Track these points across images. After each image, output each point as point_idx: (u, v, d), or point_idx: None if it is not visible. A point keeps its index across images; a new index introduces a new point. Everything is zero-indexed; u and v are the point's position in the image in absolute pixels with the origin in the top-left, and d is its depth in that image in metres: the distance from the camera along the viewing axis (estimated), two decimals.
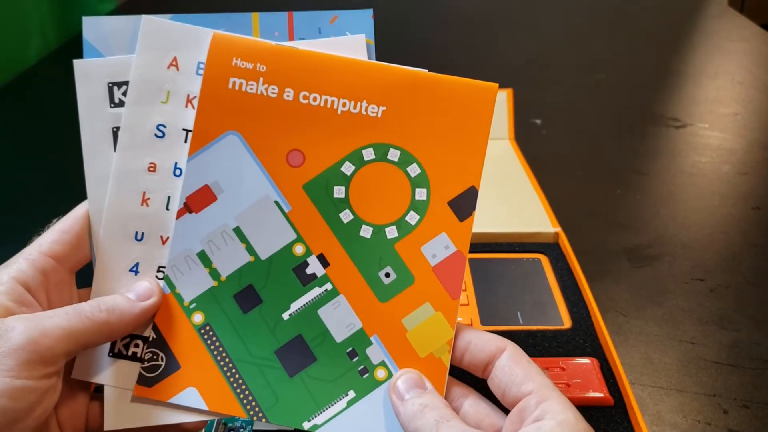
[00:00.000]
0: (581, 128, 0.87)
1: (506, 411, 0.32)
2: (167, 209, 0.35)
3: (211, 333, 0.34)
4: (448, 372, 0.34)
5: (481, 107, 0.35)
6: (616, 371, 0.45)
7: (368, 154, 0.34)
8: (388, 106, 0.34)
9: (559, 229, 0.59)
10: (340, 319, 0.34)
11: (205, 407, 0.33)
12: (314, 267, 0.34)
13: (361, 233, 0.34)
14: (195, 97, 0.35)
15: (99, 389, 0.34)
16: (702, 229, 0.65)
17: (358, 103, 0.34)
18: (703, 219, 0.67)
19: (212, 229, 0.34)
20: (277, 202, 0.34)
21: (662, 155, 0.80)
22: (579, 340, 0.48)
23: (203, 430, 0.41)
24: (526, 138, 0.76)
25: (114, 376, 0.34)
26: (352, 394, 0.33)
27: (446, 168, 0.34)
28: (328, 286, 0.34)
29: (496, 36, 1.21)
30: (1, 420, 0.27)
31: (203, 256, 0.34)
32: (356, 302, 0.34)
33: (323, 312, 0.34)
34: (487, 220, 0.60)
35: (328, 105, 0.34)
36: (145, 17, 0.34)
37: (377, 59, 0.35)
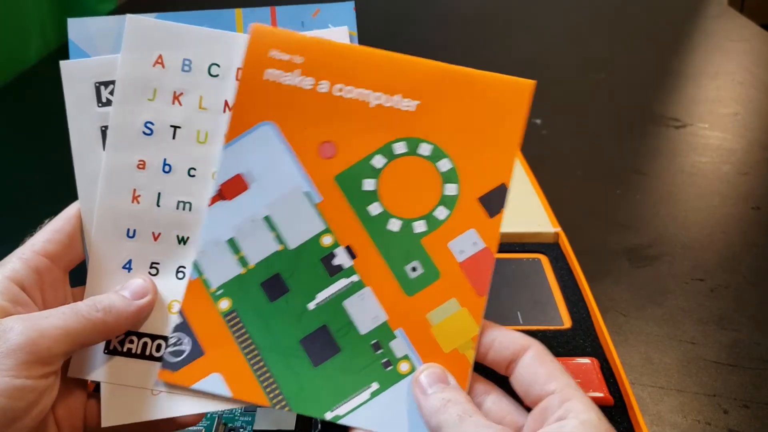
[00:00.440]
0: (581, 128, 0.87)
1: (529, 409, 0.32)
2: (158, 206, 0.35)
3: (237, 320, 0.34)
4: (471, 368, 0.34)
5: (516, 104, 0.35)
6: (616, 371, 0.45)
7: (399, 147, 0.35)
8: (422, 100, 0.35)
9: (559, 229, 0.59)
10: (365, 311, 0.34)
11: (229, 394, 0.33)
12: (342, 258, 0.34)
13: (389, 226, 0.34)
14: (181, 93, 0.35)
15: (97, 389, 0.35)
16: (702, 229, 0.65)
17: (392, 97, 0.34)
18: (703, 219, 0.67)
19: (243, 218, 0.35)
20: (307, 193, 0.35)
21: (662, 155, 0.80)
22: (579, 340, 0.48)
23: (203, 429, 0.41)
24: (526, 138, 0.75)
25: (110, 373, 0.34)
26: (375, 386, 0.33)
27: (478, 164, 0.35)
28: (355, 278, 0.34)
29: (496, 36, 1.21)
30: (1, 419, 0.27)
31: (232, 244, 0.34)
32: (382, 295, 0.34)
33: (349, 303, 0.34)
34: None
35: (362, 98, 0.34)
36: (129, 16, 0.35)
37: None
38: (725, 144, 0.81)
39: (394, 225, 0.35)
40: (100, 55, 0.35)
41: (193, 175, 0.35)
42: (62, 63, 0.35)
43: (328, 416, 0.33)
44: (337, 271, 0.34)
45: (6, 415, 0.27)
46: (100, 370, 0.34)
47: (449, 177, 0.35)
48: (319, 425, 0.41)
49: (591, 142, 0.84)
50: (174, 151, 0.35)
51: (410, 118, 0.34)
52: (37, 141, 0.82)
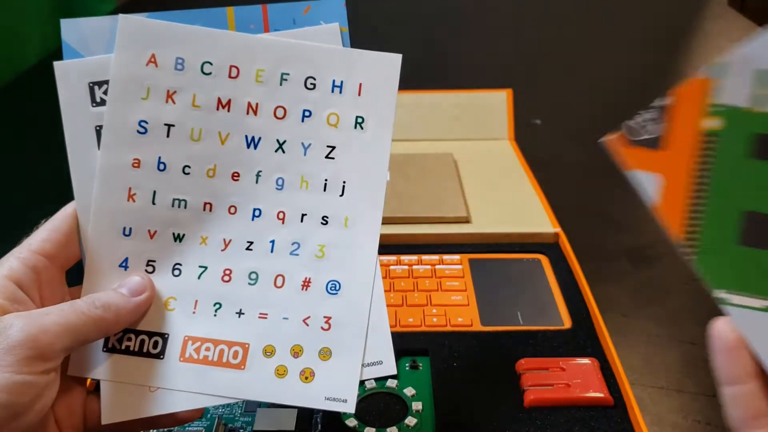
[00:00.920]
0: (581, 128, 0.87)
1: None
2: (153, 204, 0.35)
3: (712, 146, 0.31)
4: None
5: None
6: (616, 371, 0.45)
7: None
8: None
9: (559, 230, 0.59)
10: None
11: (653, 200, 0.32)
12: None
13: None
14: (175, 92, 0.35)
15: (96, 387, 0.35)
16: None
17: None
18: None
19: None
20: None
21: None
22: (579, 340, 0.48)
23: (203, 429, 0.41)
24: (526, 138, 0.76)
25: (109, 371, 0.34)
26: None
27: None
28: None
29: (496, 36, 1.21)
30: (3, 415, 0.27)
31: (762, 77, 0.30)
32: None
33: None
34: (486, 221, 0.60)
35: None
36: (121, 16, 0.35)
37: (352, 46, 0.36)
38: None
39: None
40: (94, 56, 0.35)
41: (188, 173, 0.35)
42: (56, 63, 0.35)
43: (719, 294, 0.31)
44: None
45: (8, 410, 0.28)
46: (99, 368, 0.34)
47: None
48: (319, 425, 0.41)
49: (591, 142, 0.84)
50: (168, 150, 0.35)
51: None
52: (36, 141, 0.82)
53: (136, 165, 0.35)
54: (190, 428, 0.42)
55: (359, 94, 0.36)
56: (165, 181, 0.35)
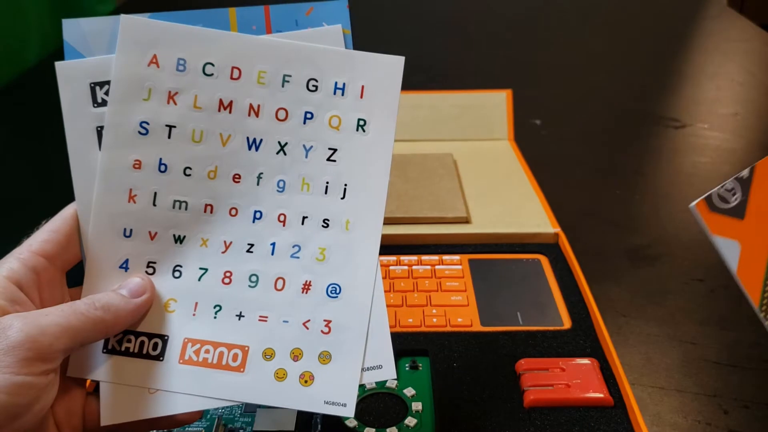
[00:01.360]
0: (581, 128, 0.87)
1: None
2: (154, 205, 0.35)
3: None
4: None
5: None
6: (616, 372, 0.45)
7: None
8: None
9: (558, 230, 0.59)
10: None
11: (735, 267, 0.33)
12: None
13: None
14: (176, 93, 0.35)
15: (96, 389, 0.35)
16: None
17: None
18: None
19: None
20: None
21: (662, 155, 0.80)
22: (579, 340, 0.48)
23: (203, 429, 0.41)
24: (525, 138, 0.76)
25: (108, 373, 0.34)
26: None
27: None
28: None
29: (496, 36, 1.21)
30: (2, 416, 0.27)
31: None
32: None
33: None
34: (486, 221, 0.60)
35: None
36: (123, 16, 0.34)
37: (357, 49, 0.36)
38: (725, 144, 0.81)
39: None
40: (95, 56, 0.35)
41: (189, 175, 0.35)
42: (57, 64, 0.35)
43: None
44: None
45: (7, 411, 0.28)
46: (99, 369, 0.34)
47: None
48: (319, 426, 0.41)
49: (590, 143, 0.84)
50: (169, 151, 0.35)
51: None
52: (36, 142, 0.82)
53: (137, 166, 0.35)
54: (189, 428, 0.42)
55: (361, 97, 0.36)
56: (166, 183, 0.35)
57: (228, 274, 0.36)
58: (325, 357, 0.35)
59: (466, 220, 0.60)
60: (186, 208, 0.35)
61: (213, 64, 0.35)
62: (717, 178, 0.74)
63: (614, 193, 0.71)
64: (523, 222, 0.60)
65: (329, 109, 0.36)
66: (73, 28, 0.35)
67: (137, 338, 0.35)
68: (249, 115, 0.35)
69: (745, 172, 0.33)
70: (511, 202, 0.64)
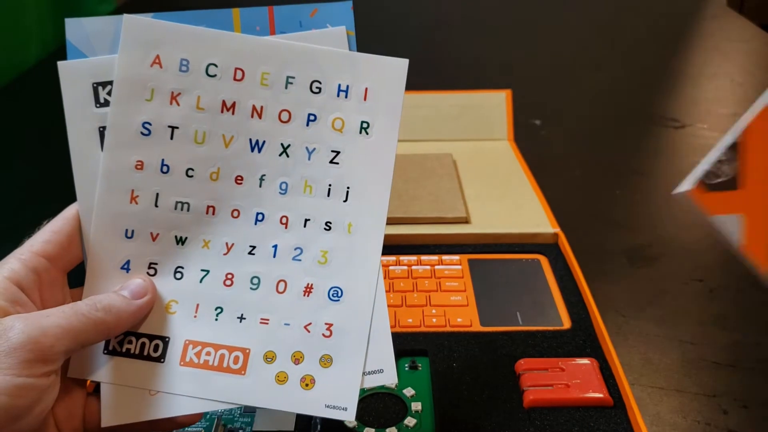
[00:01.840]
0: (580, 129, 0.87)
1: None
2: (156, 206, 0.35)
3: None
4: None
5: None
6: (615, 372, 0.45)
7: None
8: None
9: (558, 230, 0.59)
10: None
11: (738, 241, 0.31)
12: None
13: None
14: (179, 94, 0.35)
15: (96, 389, 0.35)
16: (701, 229, 0.65)
17: None
18: (703, 219, 0.67)
19: None
20: None
21: (661, 155, 0.80)
22: (578, 340, 0.48)
23: (203, 430, 0.41)
24: (525, 138, 0.76)
25: (109, 374, 0.34)
26: None
27: None
28: None
29: (496, 36, 1.21)
30: (3, 417, 0.27)
31: None
32: None
33: None
34: (486, 221, 0.60)
35: None
36: (126, 16, 0.34)
37: (358, 50, 0.36)
38: None
39: None
40: (98, 56, 0.35)
41: (191, 176, 0.35)
42: (60, 63, 0.35)
43: None
44: None
45: (8, 413, 0.28)
46: (100, 370, 0.34)
47: None
48: (319, 426, 0.41)
49: (590, 143, 0.84)
50: (172, 152, 0.35)
51: None
52: (36, 142, 0.82)
53: (139, 167, 0.35)
54: (189, 428, 0.42)
55: (365, 99, 0.36)
56: (168, 184, 0.35)
57: (229, 276, 0.36)
58: (326, 360, 0.35)
59: (465, 220, 0.60)
60: (188, 210, 0.35)
61: (216, 65, 0.35)
62: None
63: (614, 193, 0.71)
64: (523, 222, 0.60)
65: (332, 112, 0.36)
66: (76, 28, 0.35)
67: (138, 339, 0.35)
68: (252, 116, 0.35)
69: (729, 138, 0.30)
70: (510, 202, 0.64)
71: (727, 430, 0.44)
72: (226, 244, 0.36)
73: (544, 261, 0.57)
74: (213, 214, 0.36)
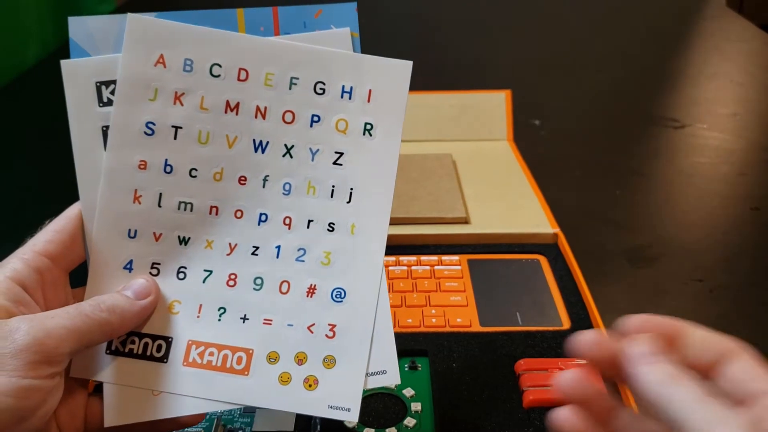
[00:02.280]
0: (580, 129, 0.87)
1: None
2: (159, 206, 0.35)
3: None
4: None
5: None
6: None
7: None
8: None
9: (558, 230, 0.59)
10: None
11: None
12: None
13: None
14: (183, 94, 0.35)
15: (98, 389, 0.35)
16: (701, 229, 0.65)
17: None
18: (702, 220, 0.67)
19: None
20: None
21: (661, 156, 0.80)
22: None
23: (203, 430, 0.41)
24: (524, 139, 0.76)
25: (112, 374, 0.34)
26: None
27: None
28: None
29: (495, 36, 1.21)
30: (8, 419, 0.27)
31: None
32: None
33: None
34: (486, 221, 0.60)
35: None
36: (130, 15, 0.34)
37: (363, 52, 0.36)
38: (724, 144, 0.81)
39: None
40: (101, 54, 0.35)
41: (195, 176, 0.35)
42: (63, 62, 0.35)
43: None
44: None
45: (14, 415, 0.28)
46: (103, 370, 0.34)
47: None
48: (318, 426, 0.41)
49: (590, 143, 0.84)
50: (175, 152, 0.35)
51: None
52: (36, 142, 0.82)
53: (142, 166, 0.35)
54: (189, 429, 0.42)
55: (368, 101, 0.36)
56: (171, 184, 0.35)
57: (233, 277, 0.36)
58: (329, 361, 0.35)
59: (465, 221, 0.60)
60: (191, 210, 0.35)
61: (220, 65, 0.35)
62: (716, 179, 0.74)
63: (613, 193, 0.71)
64: (523, 222, 0.60)
65: (336, 113, 0.36)
66: (79, 26, 0.35)
67: (141, 339, 0.35)
68: (256, 117, 0.35)
69: None
70: (510, 202, 0.64)
71: None
72: (229, 244, 0.36)
73: (543, 261, 0.57)
74: (216, 214, 0.36)
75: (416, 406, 0.43)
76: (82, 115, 0.35)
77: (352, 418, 0.34)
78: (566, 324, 0.50)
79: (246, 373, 0.35)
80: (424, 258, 0.57)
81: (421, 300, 0.52)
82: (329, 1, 0.36)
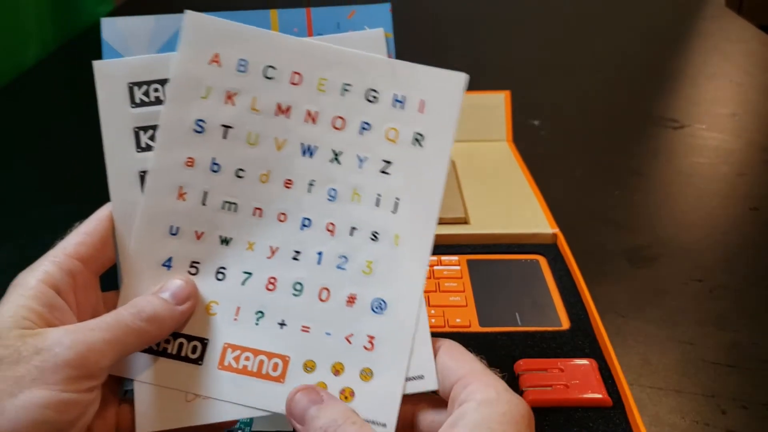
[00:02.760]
0: (579, 129, 0.87)
1: None
2: (203, 204, 0.35)
3: None
4: None
5: None
6: (614, 372, 0.45)
7: None
8: None
9: (557, 230, 0.59)
10: None
11: None
12: None
13: None
14: (235, 93, 0.35)
15: (127, 395, 0.34)
16: (700, 229, 0.65)
17: None
18: (702, 220, 0.67)
19: None
20: None
21: (660, 156, 0.80)
22: (577, 341, 0.48)
23: None
24: (524, 139, 0.76)
25: (146, 372, 0.33)
26: None
27: None
28: None
29: (495, 36, 1.21)
30: (47, 431, 0.27)
31: None
32: None
33: None
34: (485, 221, 0.60)
35: None
36: (188, 12, 0.34)
37: (396, 54, 0.35)
38: (723, 145, 0.81)
39: None
40: (133, 55, 0.34)
41: (241, 176, 0.35)
42: (95, 63, 0.34)
43: None
44: None
45: (53, 428, 0.27)
46: (137, 368, 0.34)
47: None
48: None
49: (589, 143, 0.84)
50: (223, 151, 0.35)
51: None
52: (35, 143, 0.82)
53: (189, 164, 0.35)
54: None
55: (421, 111, 0.35)
56: (217, 183, 0.35)
57: (272, 281, 0.35)
58: (366, 374, 0.34)
59: (464, 221, 0.60)
60: (235, 210, 0.35)
61: (274, 68, 0.35)
62: (715, 179, 0.74)
63: (613, 193, 0.72)
64: (522, 222, 0.60)
65: (387, 121, 0.35)
66: (112, 28, 0.35)
67: (176, 339, 0.34)
68: (306, 121, 0.35)
69: None
70: (509, 202, 0.64)
71: (726, 431, 0.44)
72: (271, 247, 0.35)
73: (543, 261, 0.57)
74: (260, 216, 0.35)
75: None
76: (113, 116, 0.34)
77: None
78: (566, 324, 0.50)
79: (282, 380, 0.34)
80: None
81: None
82: (363, 2, 0.35)
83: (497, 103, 0.76)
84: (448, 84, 0.35)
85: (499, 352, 0.47)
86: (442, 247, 0.58)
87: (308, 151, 0.35)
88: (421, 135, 0.35)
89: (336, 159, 0.35)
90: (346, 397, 0.34)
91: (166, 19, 0.35)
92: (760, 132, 0.85)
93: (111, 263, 0.34)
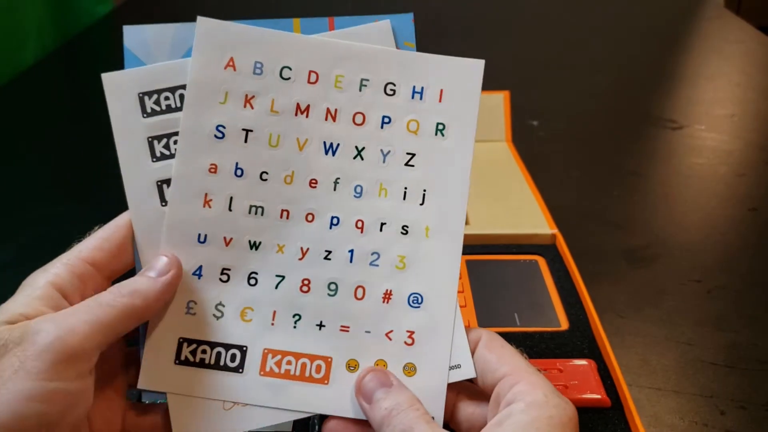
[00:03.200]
0: (578, 130, 0.87)
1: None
2: (230, 210, 0.34)
3: None
4: None
5: None
6: (613, 373, 0.45)
7: None
8: None
9: (556, 231, 0.59)
10: None
11: None
12: None
13: None
14: (253, 96, 0.35)
15: (133, 398, 0.34)
16: (699, 230, 0.65)
17: None
18: (700, 220, 0.67)
19: None
20: None
21: (659, 157, 0.80)
22: (576, 341, 0.48)
23: None
24: (522, 140, 0.76)
25: (183, 384, 0.33)
26: None
27: None
28: None
29: (494, 37, 1.21)
30: (35, 426, 0.26)
31: None
32: None
33: None
34: (484, 222, 0.60)
35: None
36: (200, 18, 0.34)
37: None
38: (722, 145, 0.81)
39: None
40: (157, 62, 0.34)
41: (265, 179, 0.35)
42: (104, 75, 0.34)
43: None
44: None
45: (40, 421, 0.26)
46: (171, 381, 0.33)
47: None
48: (317, 426, 0.41)
49: (588, 144, 0.84)
50: (246, 155, 0.34)
51: None
52: (34, 143, 0.82)
53: (212, 170, 0.34)
54: None
55: (440, 101, 0.35)
56: (242, 187, 0.34)
57: (306, 282, 0.35)
58: (410, 369, 0.34)
59: None
60: (262, 214, 0.35)
61: (290, 68, 0.35)
62: (714, 179, 0.74)
63: (611, 194, 0.72)
64: (521, 223, 0.60)
65: (407, 113, 0.35)
66: (134, 35, 0.34)
67: (213, 349, 0.34)
68: (326, 119, 0.35)
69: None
70: (508, 203, 0.64)
71: (725, 431, 0.44)
72: (301, 248, 0.35)
73: (541, 262, 0.57)
74: (287, 218, 0.35)
75: None
76: (126, 127, 0.34)
77: None
78: (564, 324, 0.50)
79: (326, 381, 0.34)
80: None
81: None
82: (386, 12, 0.36)
83: (496, 103, 0.76)
84: (466, 72, 0.36)
85: None
86: None
87: (331, 149, 0.35)
88: (443, 125, 0.35)
89: (359, 155, 0.35)
90: None
91: (187, 26, 0.35)
92: (759, 132, 0.85)
93: (125, 270, 0.34)
